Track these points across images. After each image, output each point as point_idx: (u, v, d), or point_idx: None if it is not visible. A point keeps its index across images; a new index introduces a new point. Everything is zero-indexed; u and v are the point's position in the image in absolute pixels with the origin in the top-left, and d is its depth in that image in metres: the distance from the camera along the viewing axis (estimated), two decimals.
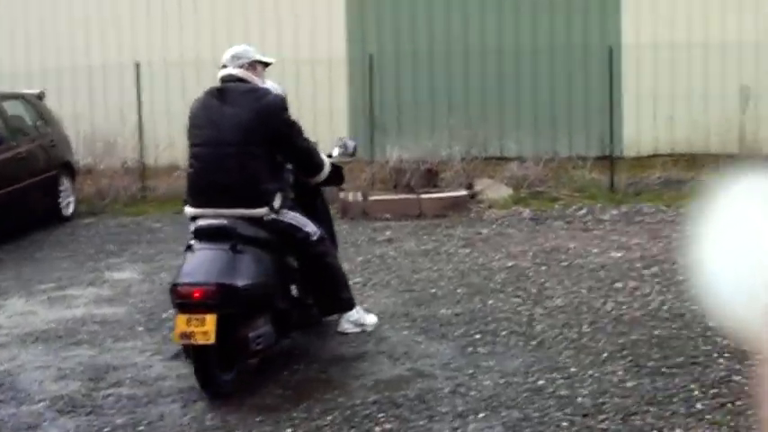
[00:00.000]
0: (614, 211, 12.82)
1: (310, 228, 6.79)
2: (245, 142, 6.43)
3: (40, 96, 14.44)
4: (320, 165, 7.06)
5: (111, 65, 17.44)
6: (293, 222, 6.70)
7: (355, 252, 10.69)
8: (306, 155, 6.92)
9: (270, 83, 7.09)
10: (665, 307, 8.02)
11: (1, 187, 12.00)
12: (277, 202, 6.52)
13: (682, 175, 14.91)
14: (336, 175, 7.40)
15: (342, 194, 13.07)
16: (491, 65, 17.67)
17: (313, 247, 6.79)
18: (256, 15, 17.69)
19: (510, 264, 9.86)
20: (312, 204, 7.26)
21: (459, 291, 8.80)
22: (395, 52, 17.55)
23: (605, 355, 6.81)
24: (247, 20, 17.58)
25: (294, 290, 7.08)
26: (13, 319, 8.57)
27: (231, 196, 6.43)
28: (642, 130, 17.70)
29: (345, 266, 7.92)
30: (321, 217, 7.32)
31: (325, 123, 16.19)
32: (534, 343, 7.19)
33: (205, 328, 5.81)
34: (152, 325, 8.07)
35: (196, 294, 5.94)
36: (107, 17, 18.07)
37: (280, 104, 6.68)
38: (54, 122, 14.42)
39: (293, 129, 6.75)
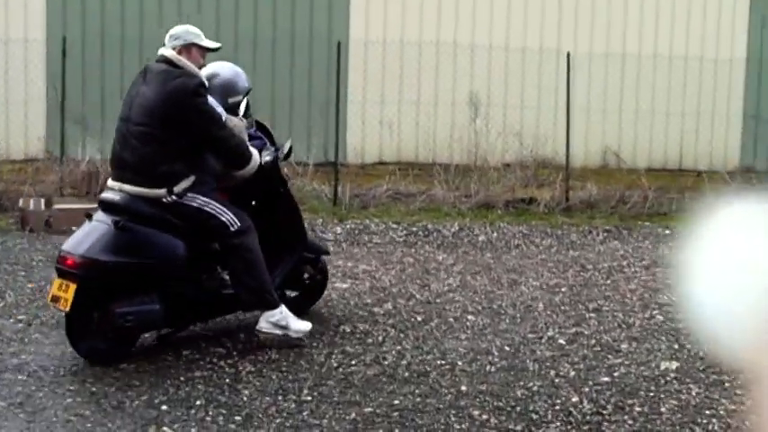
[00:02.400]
0: (338, 229, 11.35)
1: (227, 217, 6.58)
2: (149, 123, 6.47)
3: None
4: (242, 158, 6.83)
5: None
6: (206, 209, 6.56)
7: (26, 276, 8.63)
8: (222, 145, 6.73)
9: (219, 67, 7.14)
10: (403, 362, 6.57)
11: None
12: (181, 186, 6.46)
13: (412, 188, 13.68)
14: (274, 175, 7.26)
15: (21, 201, 10.92)
16: None
17: (229, 237, 6.62)
18: None
19: None
20: (273, 200, 7.25)
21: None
22: (100, 35, 15.41)
23: None
24: None
25: (207, 278, 6.84)
26: None
27: (132, 173, 6.50)
28: (367, 135, 16.48)
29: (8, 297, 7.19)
30: (281, 214, 7.28)
31: (19, 114, 14.00)
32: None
33: (67, 296, 6.14)
34: None
35: (67, 262, 6.26)
36: None
37: (190, 89, 6.51)
38: None
39: (203, 116, 6.55)
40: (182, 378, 6.15)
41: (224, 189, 6.93)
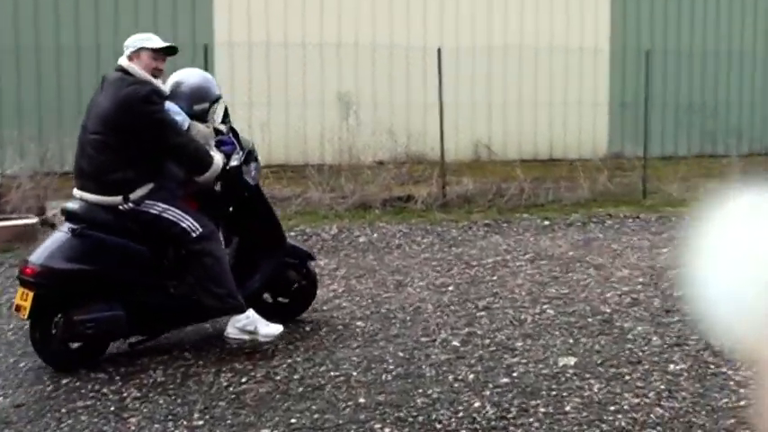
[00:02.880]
0: None
1: (187, 224, 6.60)
2: (102, 131, 6.51)
3: None
4: (201, 164, 6.74)
5: None
6: (164, 215, 6.58)
7: None
8: (179, 152, 6.71)
9: (186, 74, 7.17)
10: (296, 376, 6.31)
11: None
12: (137, 193, 6.51)
13: (286, 191, 13.42)
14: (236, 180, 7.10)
15: None
16: (68, 65, 15.36)
17: (191, 243, 6.62)
18: None
19: None
20: (245, 205, 7.20)
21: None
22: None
23: None
24: None
25: (177, 284, 6.80)
26: None
27: (89, 182, 6.57)
28: None
29: None
30: (254, 219, 7.24)
31: None
32: None
33: (26, 304, 6.29)
34: None
35: (26, 271, 6.38)
36: None
37: (140, 97, 6.50)
38: None
39: (155, 123, 6.54)
40: (63, 410, 5.77)
41: (193, 196, 6.90)
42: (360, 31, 17.17)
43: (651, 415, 5.57)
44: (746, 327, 1.98)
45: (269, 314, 7.16)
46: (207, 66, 13.02)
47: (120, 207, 6.52)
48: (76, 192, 6.68)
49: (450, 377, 6.27)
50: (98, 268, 6.48)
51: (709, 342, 7.03)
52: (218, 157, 6.83)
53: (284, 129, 16.34)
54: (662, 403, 5.78)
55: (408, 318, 7.68)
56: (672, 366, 6.51)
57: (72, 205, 6.65)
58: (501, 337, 7.20)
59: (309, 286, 7.76)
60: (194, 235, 6.61)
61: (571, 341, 7.11)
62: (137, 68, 6.65)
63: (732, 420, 5.50)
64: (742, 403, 5.79)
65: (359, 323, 7.49)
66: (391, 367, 6.49)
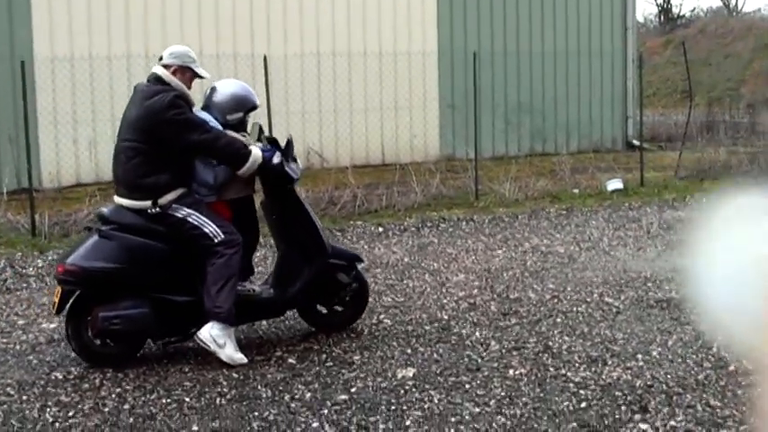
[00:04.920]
0: (39, 262, 10.51)
1: (210, 229, 6.79)
2: (132, 138, 6.73)
3: None
4: (237, 156, 6.88)
5: None
6: (189, 219, 6.78)
7: None
8: (209, 147, 6.83)
9: (222, 84, 7.29)
10: (126, 407, 5.99)
11: None
12: (166, 198, 6.74)
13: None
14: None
15: None
16: None
17: (211, 248, 6.79)
18: None
19: None
20: (282, 209, 7.34)
21: None
22: None
23: None
24: None
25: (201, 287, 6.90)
26: None
27: (122, 187, 6.86)
28: (62, 158, 15.56)
29: None
30: (292, 223, 7.32)
31: None
32: None
33: (56, 300, 6.79)
34: None
35: (58, 270, 6.81)
36: None
37: (166, 102, 6.67)
38: None
39: (179, 125, 6.68)
40: None
41: (227, 204, 7.15)
42: (186, 42, 16.79)
43: (493, 424, 5.50)
44: (748, 332, 1.95)
45: (323, 324, 7.56)
46: (25, 82, 12.42)
47: (149, 211, 6.77)
48: (116, 198, 6.97)
49: (287, 397, 6.07)
50: (123, 267, 6.75)
51: (547, 344, 7.04)
52: (255, 150, 6.94)
53: (111, 145, 15.82)
54: (503, 411, 5.71)
55: (242, 336, 7.44)
56: (511, 372, 6.47)
57: (104, 209, 7.04)
58: (338, 352, 7.03)
59: (361, 289, 7.66)
60: (216, 240, 6.80)
61: (409, 351, 7.00)
62: (175, 79, 6.86)
63: (574, 424, 5.47)
64: (583, 405, 5.78)
65: (190, 344, 7.20)
66: (225, 390, 6.24)
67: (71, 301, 6.79)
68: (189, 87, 6.98)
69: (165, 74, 6.87)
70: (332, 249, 7.52)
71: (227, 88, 7.20)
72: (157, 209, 6.77)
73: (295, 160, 7.40)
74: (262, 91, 13.99)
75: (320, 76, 18.38)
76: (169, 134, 6.70)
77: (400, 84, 19.14)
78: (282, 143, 7.32)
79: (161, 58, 6.97)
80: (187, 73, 6.95)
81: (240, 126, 7.27)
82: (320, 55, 18.28)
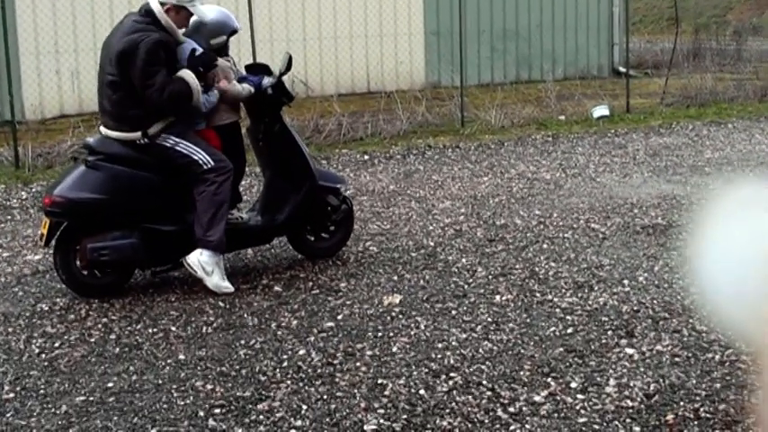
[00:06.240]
0: (24, 194, 10.44)
1: (199, 156, 6.77)
2: (115, 73, 6.65)
3: None
4: (179, 100, 6.69)
5: None
6: (177, 148, 6.76)
7: None
8: (155, 101, 6.63)
9: (202, 10, 6.95)
10: (112, 336, 5.97)
11: None
12: (155, 128, 6.71)
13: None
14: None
15: None
16: None
17: (200, 174, 6.77)
18: None
19: None
20: (272, 135, 7.35)
21: None
22: None
23: None
24: None
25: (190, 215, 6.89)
26: None
27: (109, 119, 6.82)
28: (44, 89, 15.39)
29: None
30: (281, 148, 7.35)
31: None
32: None
33: (44, 232, 6.76)
34: None
35: (45, 201, 6.80)
36: None
37: (140, 47, 6.55)
38: None
39: (141, 74, 6.56)
40: None
41: (216, 132, 7.12)
42: None
43: (480, 350, 5.50)
44: (751, 318, 1.95)
45: (311, 251, 7.59)
46: (5, 12, 12.20)
47: (138, 142, 6.74)
48: (102, 129, 6.92)
49: (273, 325, 6.07)
50: (110, 197, 6.72)
51: (533, 270, 7.04)
52: (192, 81, 6.73)
53: (95, 76, 15.65)
54: (490, 337, 5.72)
55: (228, 265, 7.41)
56: (498, 298, 6.47)
57: (91, 139, 6.96)
58: (324, 279, 7.03)
59: (348, 213, 7.71)
60: (205, 167, 6.76)
61: (396, 278, 7.00)
62: (166, 18, 6.74)
63: (560, 349, 5.49)
64: (569, 331, 5.79)
65: (175, 273, 7.18)
66: (211, 319, 6.24)
67: (59, 232, 6.75)
68: (184, 26, 6.91)
69: (158, 11, 6.73)
70: (318, 173, 7.49)
71: (208, 15, 7.10)
72: (146, 140, 6.73)
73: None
74: (245, 19, 13.81)
75: (304, 3, 18.17)
76: (134, 76, 6.60)
77: (385, 10, 18.95)
78: (278, 66, 7.36)
79: None
80: (182, 12, 6.82)
81: (223, 50, 7.22)
82: None
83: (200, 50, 6.90)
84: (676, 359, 5.33)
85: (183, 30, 6.93)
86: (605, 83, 19.70)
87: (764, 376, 2.03)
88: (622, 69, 20.59)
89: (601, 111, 15.48)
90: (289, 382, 5.14)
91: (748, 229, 1.98)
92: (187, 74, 6.73)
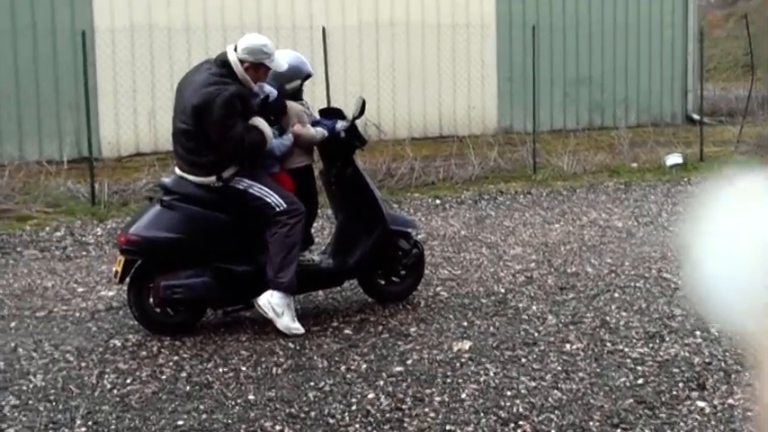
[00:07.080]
0: (99, 230, 10.63)
1: (272, 199, 6.85)
2: (188, 123, 6.75)
3: None
4: (257, 149, 6.87)
5: None
6: (250, 191, 6.85)
7: None
8: (230, 152, 6.81)
9: (278, 54, 7.04)
10: (183, 374, 6.04)
11: None
12: (229, 172, 6.81)
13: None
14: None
15: None
16: None
17: (273, 217, 6.84)
18: None
19: None
20: (344, 179, 7.43)
21: None
22: None
23: None
24: None
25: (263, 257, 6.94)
26: None
27: (182, 162, 6.93)
28: (122, 127, 15.69)
29: None
30: (353, 192, 7.41)
31: None
32: None
33: (118, 269, 6.88)
34: None
35: (120, 240, 6.93)
36: None
37: (216, 102, 6.60)
38: None
39: (221, 128, 6.66)
40: None
41: (290, 175, 7.22)
42: (244, 15, 16.81)
43: (549, 398, 5.47)
44: (748, 315, 1.92)
45: (382, 295, 7.60)
46: (85, 53, 12.52)
47: (213, 185, 6.84)
48: (177, 170, 7.02)
49: (343, 368, 6.08)
50: (185, 237, 6.82)
51: (604, 319, 6.98)
52: (266, 129, 6.86)
53: (171, 114, 15.92)
54: (559, 385, 5.68)
55: (299, 307, 7.46)
56: (568, 346, 6.43)
57: (166, 179, 7.13)
58: (394, 323, 7.04)
59: (419, 258, 7.74)
60: (278, 209, 6.84)
61: (465, 324, 6.98)
62: (243, 73, 6.79)
63: (630, 400, 5.43)
64: (640, 382, 5.73)
65: (247, 314, 7.24)
66: (281, 360, 6.28)
67: (133, 270, 6.86)
68: (263, 80, 6.99)
69: (235, 62, 6.80)
70: (389, 217, 7.52)
71: (283, 59, 7.18)
72: (221, 183, 6.82)
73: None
74: (320, 63, 13.98)
75: (378, 48, 18.32)
76: (210, 130, 6.68)
77: (458, 56, 19.02)
78: (352, 110, 7.43)
79: (236, 48, 6.85)
80: (261, 69, 6.88)
81: (297, 94, 7.34)
82: (378, 26, 18.21)
83: (273, 95, 7.01)
84: (749, 413, 5.24)
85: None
86: (679, 130, 19.52)
87: (763, 368, 1.99)
88: (696, 117, 20.39)
89: (674, 159, 15.34)
90: (357, 425, 5.15)
91: (750, 218, 1.99)
92: (260, 122, 6.86)
